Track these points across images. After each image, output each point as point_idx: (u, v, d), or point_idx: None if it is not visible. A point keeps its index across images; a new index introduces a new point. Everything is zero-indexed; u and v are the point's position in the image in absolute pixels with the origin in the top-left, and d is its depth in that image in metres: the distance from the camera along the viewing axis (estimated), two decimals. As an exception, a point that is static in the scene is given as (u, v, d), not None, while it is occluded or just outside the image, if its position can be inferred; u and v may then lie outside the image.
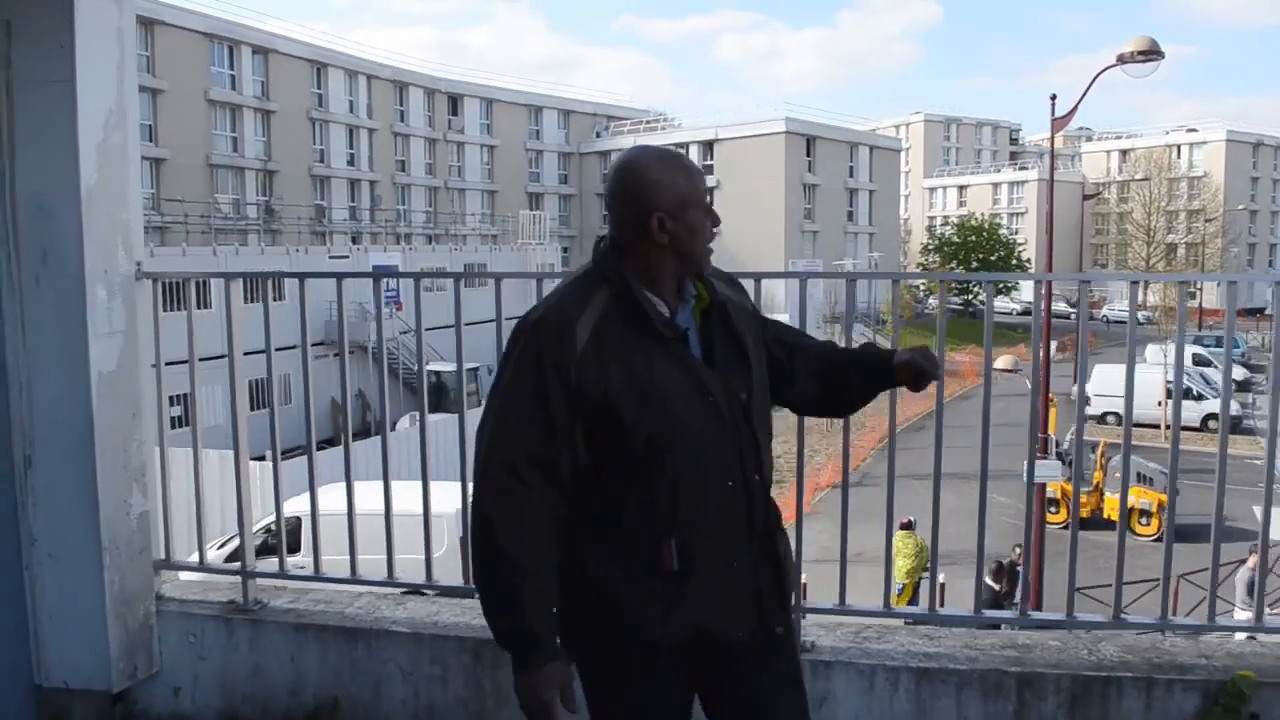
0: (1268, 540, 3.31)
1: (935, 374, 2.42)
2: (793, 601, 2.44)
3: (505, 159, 64.80)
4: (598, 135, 69.97)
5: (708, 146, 64.06)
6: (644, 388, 2.10)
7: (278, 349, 3.62)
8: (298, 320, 3.60)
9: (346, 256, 40.61)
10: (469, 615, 3.64)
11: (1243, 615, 11.25)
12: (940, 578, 13.81)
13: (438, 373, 24.23)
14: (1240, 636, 4.95)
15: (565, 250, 61.54)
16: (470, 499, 2.17)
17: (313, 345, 3.72)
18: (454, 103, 62.29)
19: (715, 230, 2.28)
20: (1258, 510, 3.32)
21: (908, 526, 16.82)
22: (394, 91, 57.90)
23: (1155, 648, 3.29)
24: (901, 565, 16.44)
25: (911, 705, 3.18)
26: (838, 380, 2.48)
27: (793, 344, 2.48)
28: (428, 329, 3.69)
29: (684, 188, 2.20)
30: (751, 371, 2.26)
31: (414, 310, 3.64)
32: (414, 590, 3.95)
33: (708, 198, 2.28)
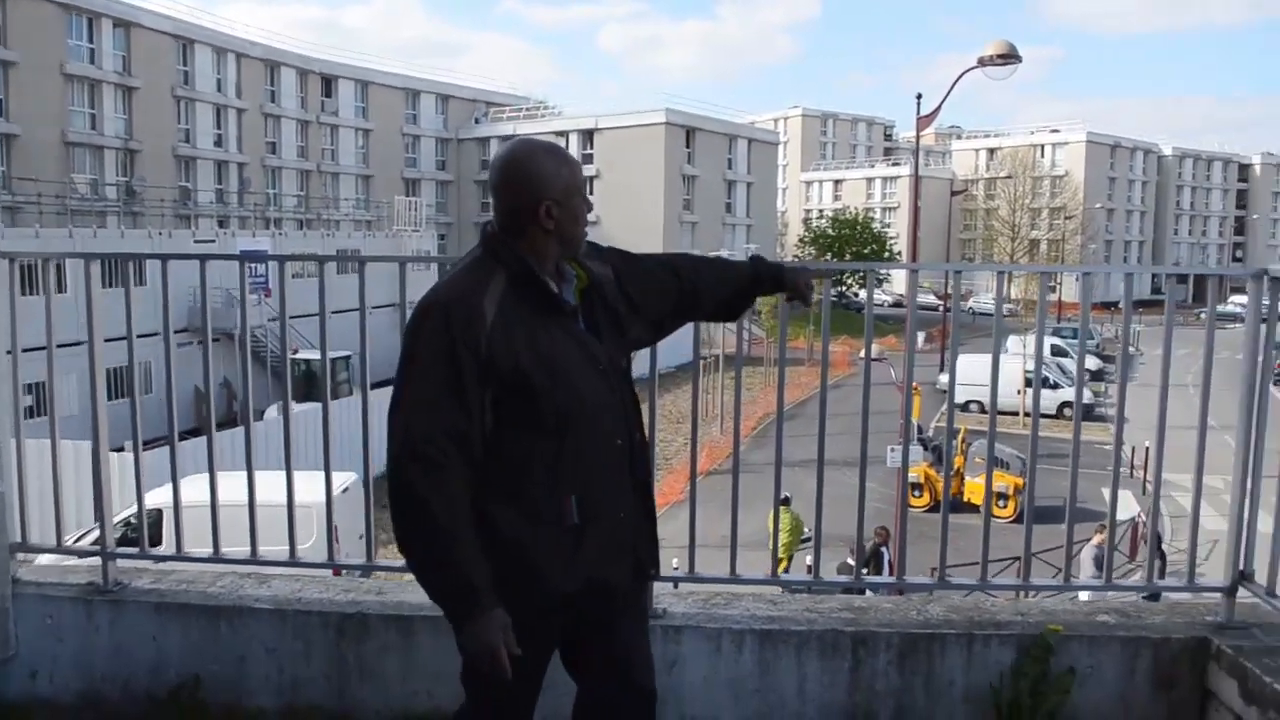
0: (1076, 505, 3.63)
1: (808, 300, 2.96)
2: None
3: (381, 143, 63.71)
4: (476, 121, 69.35)
5: (588, 136, 64.14)
6: (549, 360, 2.33)
7: (138, 335, 3.60)
8: (159, 305, 3.59)
9: (213, 241, 39.32)
10: (332, 591, 3.71)
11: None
12: (808, 560, 14.18)
13: (307, 361, 23.71)
14: (1086, 596, 5.37)
15: (442, 238, 60.87)
16: (391, 474, 2.30)
17: (176, 332, 3.71)
18: (328, 84, 60.91)
19: (590, 216, 2.53)
20: (1106, 492, 3.65)
21: (785, 503, 17.27)
22: (265, 71, 56.30)
23: (978, 607, 3.59)
24: (785, 536, 17.05)
25: (755, 665, 3.39)
26: (736, 302, 2.89)
27: (696, 287, 2.78)
28: (298, 316, 3.70)
29: (569, 178, 2.43)
30: (626, 339, 2.56)
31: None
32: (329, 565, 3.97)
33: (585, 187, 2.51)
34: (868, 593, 4.38)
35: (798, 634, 3.39)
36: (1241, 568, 3.42)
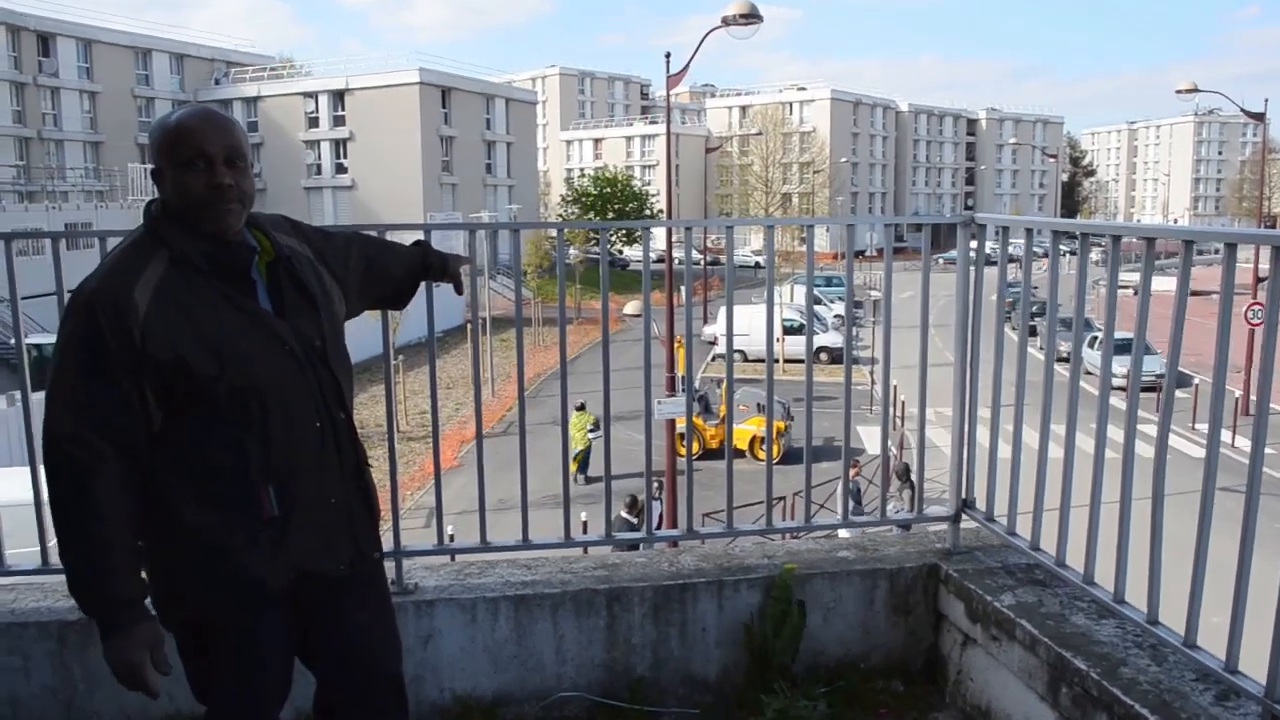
0: (814, 447, 3.77)
1: (460, 290, 3.00)
2: (380, 526, 2.59)
3: (110, 107, 58.96)
4: (217, 82, 65.40)
5: (338, 96, 61.79)
6: (219, 344, 2.16)
7: None
8: None
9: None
10: (51, 599, 3.40)
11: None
12: (582, 515, 14.47)
13: (39, 346, 21.80)
14: (844, 533, 5.62)
15: (187, 206, 56.99)
16: (46, 476, 2.15)
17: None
18: (44, 43, 55.67)
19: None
20: (860, 430, 3.77)
21: (581, 408, 21.28)
22: (-32, 29, 50.85)
23: (726, 554, 3.69)
24: (577, 437, 20.99)
25: (512, 631, 3.37)
26: (407, 287, 2.87)
27: (385, 265, 2.77)
28: (26, 298, 3.32)
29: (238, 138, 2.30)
30: (321, 317, 2.37)
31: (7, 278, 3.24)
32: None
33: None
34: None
35: (552, 596, 3.38)
36: (964, 496, 3.66)
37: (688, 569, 3.55)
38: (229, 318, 2.19)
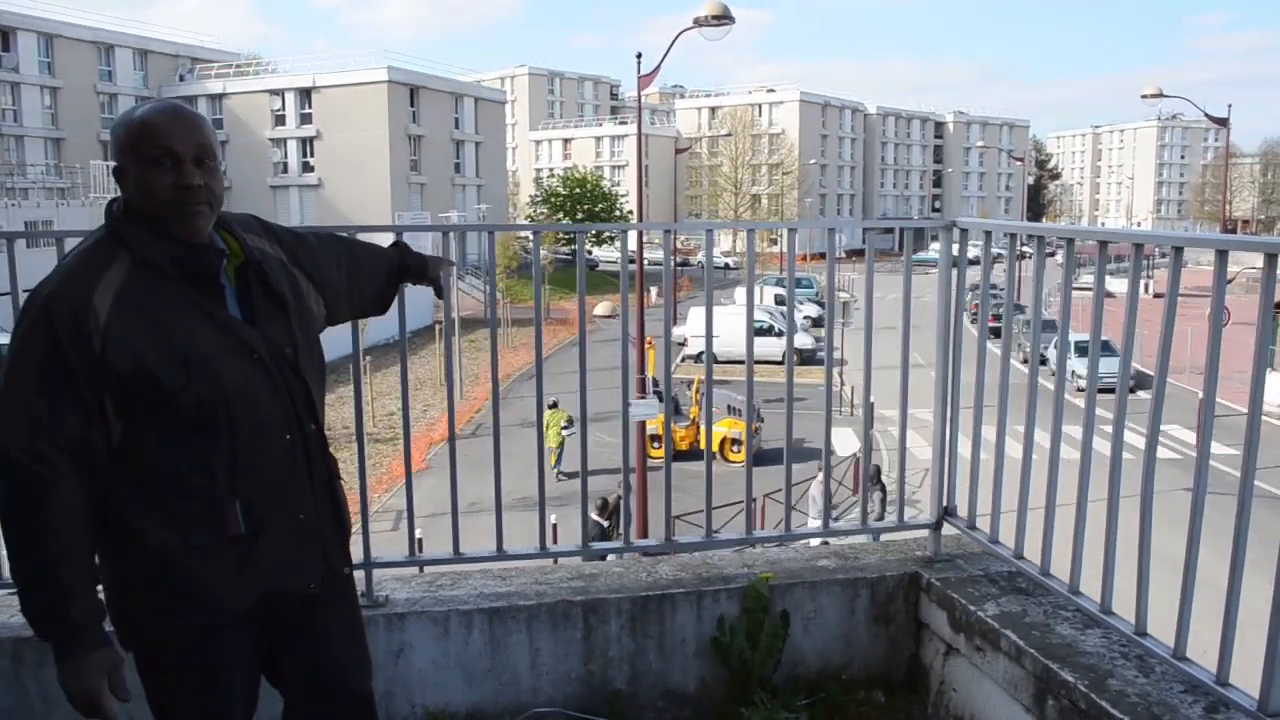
0: (794, 447, 3.71)
1: (441, 294, 2.87)
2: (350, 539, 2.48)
3: (72, 102, 58.02)
4: (181, 79, 64.58)
5: (305, 94, 61.18)
6: (184, 352, 2.04)
7: None
8: None
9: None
10: (5, 614, 3.28)
11: (815, 524, 12.70)
12: (551, 518, 14.27)
13: (-2, 345, 21.44)
14: (815, 543, 5.57)
15: (150, 204, 56.26)
16: None
17: None
18: (4, 37, 54.74)
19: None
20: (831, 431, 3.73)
21: (554, 406, 22.32)
22: (-76, 22, 49.94)
23: (705, 563, 3.62)
24: (552, 435, 21.69)
25: (486, 645, 3.27)
26: (387, 291, 2.76)
27: (365, 267, 2.66)
28: None
29: (207, 135, 2.14)
30: (292, 323, 2.25)
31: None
32: None
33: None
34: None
35: (527, 608, 3.29)
36: (945, 503, 3.61)
37: (666, 579, 3.48)
38: (196, 325, 2.07)
